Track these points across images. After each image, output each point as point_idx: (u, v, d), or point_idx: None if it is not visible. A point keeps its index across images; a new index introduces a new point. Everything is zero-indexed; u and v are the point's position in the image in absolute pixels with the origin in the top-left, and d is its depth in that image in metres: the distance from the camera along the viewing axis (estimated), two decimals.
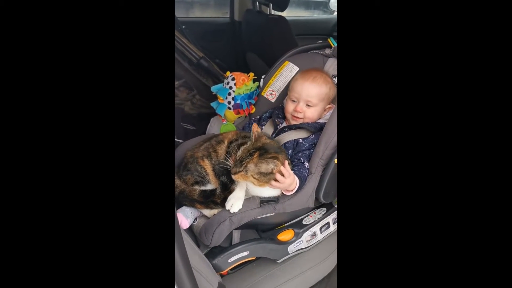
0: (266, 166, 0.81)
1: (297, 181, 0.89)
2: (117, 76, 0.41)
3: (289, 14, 2.48)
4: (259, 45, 1.90)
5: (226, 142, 0.97)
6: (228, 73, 1.20)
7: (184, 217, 0.93)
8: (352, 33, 0.44)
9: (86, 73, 0.40)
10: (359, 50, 0.44)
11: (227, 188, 0.90)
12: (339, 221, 0.46)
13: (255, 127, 0.89)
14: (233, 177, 0.84)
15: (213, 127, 1.39)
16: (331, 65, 1.16)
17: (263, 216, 0.93)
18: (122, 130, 0.41)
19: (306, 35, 2.28)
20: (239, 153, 0.85)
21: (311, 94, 1.02)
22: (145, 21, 0.42)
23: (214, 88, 1.20)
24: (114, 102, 0.41)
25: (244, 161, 0.82)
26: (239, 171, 0.82)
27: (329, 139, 0.91)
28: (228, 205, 0.86)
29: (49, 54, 0.39)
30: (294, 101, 1.05)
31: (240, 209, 0.87)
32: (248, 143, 0.87)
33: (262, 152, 0.83)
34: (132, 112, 0.42)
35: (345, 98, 0.46)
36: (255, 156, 0.82)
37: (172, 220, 0.49)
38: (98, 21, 0.40)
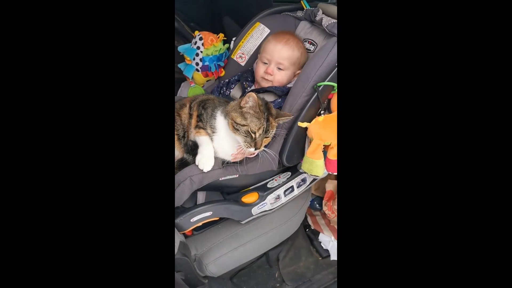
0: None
1: None
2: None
3: None
4: (235, 8, 1.81)
5: (187, 105, 0.95)
6: (196, 32, 1.15)
7: None
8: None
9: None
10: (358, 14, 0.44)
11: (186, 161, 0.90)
12: (339, 210, 0.49)
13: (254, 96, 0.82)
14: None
15: (183, 91, 1.34)
16: (303, 29, 1.13)
17: (227, 178, 0.94)
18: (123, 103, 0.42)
19: (292, 2, 2.18)
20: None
21: (283, 57, 1.00)
22: None
23: (181, 48, 1.15)
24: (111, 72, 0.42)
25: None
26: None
27: (294, 102, 0.91)
28: (200, 165, 0.86)
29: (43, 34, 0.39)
30: (265, 63, 1.03)
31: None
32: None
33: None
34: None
35: (345, 70, 0.46)
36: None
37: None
38: None
